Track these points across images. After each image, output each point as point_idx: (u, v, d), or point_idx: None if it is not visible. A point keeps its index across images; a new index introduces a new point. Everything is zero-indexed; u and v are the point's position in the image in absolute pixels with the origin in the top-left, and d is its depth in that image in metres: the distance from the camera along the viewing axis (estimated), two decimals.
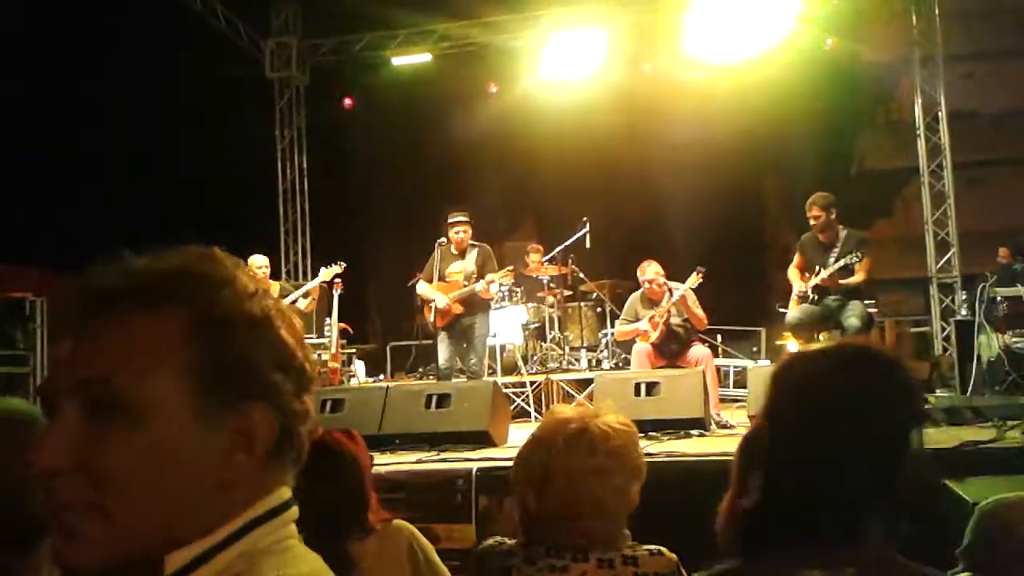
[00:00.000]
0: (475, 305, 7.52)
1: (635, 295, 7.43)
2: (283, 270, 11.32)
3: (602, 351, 9.16)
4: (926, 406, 1.27)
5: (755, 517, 1.28)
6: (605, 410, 1.95)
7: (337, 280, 8.31)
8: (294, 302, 8.01)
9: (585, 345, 9.31)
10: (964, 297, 8.81)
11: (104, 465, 0.83)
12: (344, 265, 8.24)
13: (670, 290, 7.09)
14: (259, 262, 8.11)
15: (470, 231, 7.60)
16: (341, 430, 2.37)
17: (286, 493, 0.94)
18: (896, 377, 1.31)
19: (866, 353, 1.34)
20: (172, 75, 10.30)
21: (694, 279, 7.03)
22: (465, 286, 7.46)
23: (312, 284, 8.32)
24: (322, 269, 8.28)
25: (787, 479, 1.26)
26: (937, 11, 10.01)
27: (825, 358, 1.35)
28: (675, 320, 7.10)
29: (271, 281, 8.18)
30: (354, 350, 10.14)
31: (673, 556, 1.86)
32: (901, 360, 1.36)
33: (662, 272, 7.19)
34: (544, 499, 1.82)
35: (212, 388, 0.87)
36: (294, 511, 0.94)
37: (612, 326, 8.56)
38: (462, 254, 7.60)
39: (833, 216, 6.94)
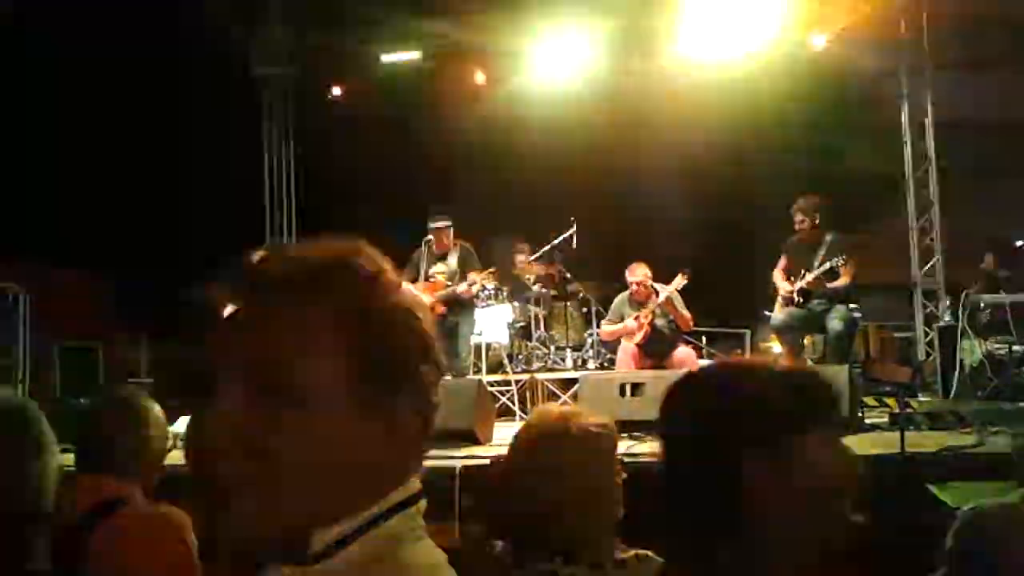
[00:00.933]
0: (458, 304, 7.52)
1: (621, 296, 7.45)
2: None
3: (588, 351, 9.16)
4: (767, 425, 1.23)
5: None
6: (586, 411, 1.95)
7: None
8: None
9: (571, 345, 9.31)
10: (948, 303, 8.87)
11: (267, 444, 0.88)
12: None
13: (656, 291, 7.12)
14: None
15: (451, 232, 7.60)
16: None
17: (418, 483, 0.98)
18: (775, 381, 1.28)
19: (744, 364, 1.42)
20: (157, 70, 10.24)
21: (679, 280, 7.06)
22: (448, 286, 7.45)
23: None
24: None
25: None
26: (926, 19, 10.08)
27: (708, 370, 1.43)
28: (660, 321, 7.12)
29: None
30: None
31: (659, 560, 1.84)
32: (787, 366, 1.35)
33: (650, 274, 7.22)
34: (521, 497, 1.82)
35: (370, 376, 0.91)
36: (424, 503, 0.98)
37: (598, 326, 8.57)
38: (444, 254, 7.61)
39: (818, 219, 6.99)
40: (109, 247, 10.62)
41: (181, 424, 6.77)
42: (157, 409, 2.43)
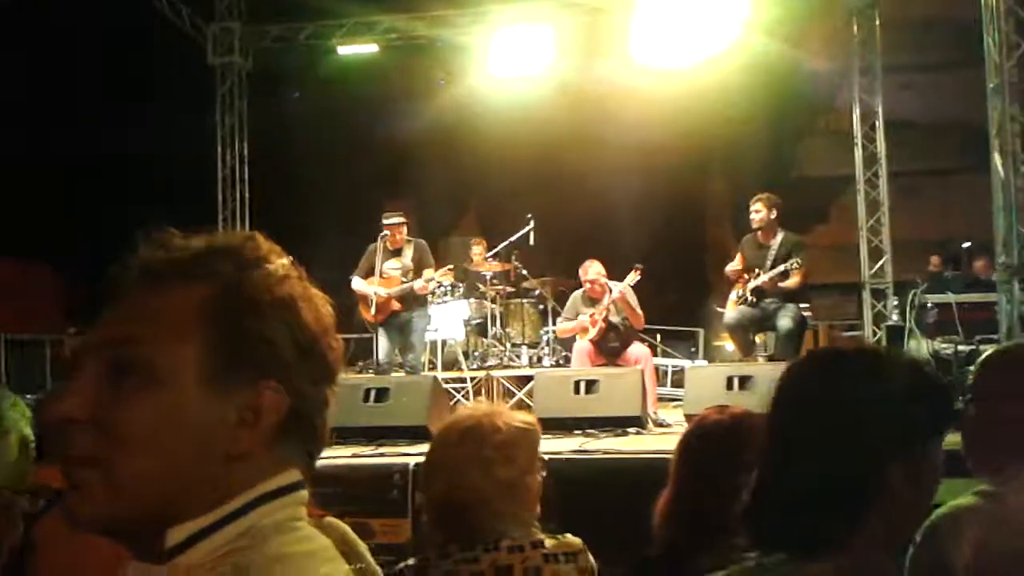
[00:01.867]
0: (413, 301, 7.48)
1: (576, 293, 7.48)
2: None
3: (543, 348, 9.18)
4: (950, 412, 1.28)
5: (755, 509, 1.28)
6: (506, 409, 2.01)
7: None
8: None
9: (526, 342, 9.32)
10: (895, 303, 9.03)
11: (115, 420, 0.87)
12: None
13: (609, 288, 7.16)
14: None
15: (404, 229, 7.56)
16: None
17: (296, 475, 0.95)
18: (914, 381, 1.29)
19: (882, 358, 1.35)
20: (112, 57, 10.07)
21: (632, 276, 7.11)
22: (404, 282, 7.42)
23: None
24: None
25: (789, 478, 1.26)
26: (878, 21, 10.24)
27: (844, 361, 1.35)
28: (615, 319, 7.16)
29: None
30: None
31: (578, 539, 1.93)
32: (921, 364, 1.36)
33: (604, 272, 7.26)
34: (433, 490, 1.91)
35: (227, 361, 0.90)
36: (303, 494, 0.95)
37: (554, 323, 8.59)
38: (398, 250, 7.56)
39: (774, 216, 7.09)
40: (57, 239, 10.43)
41: None
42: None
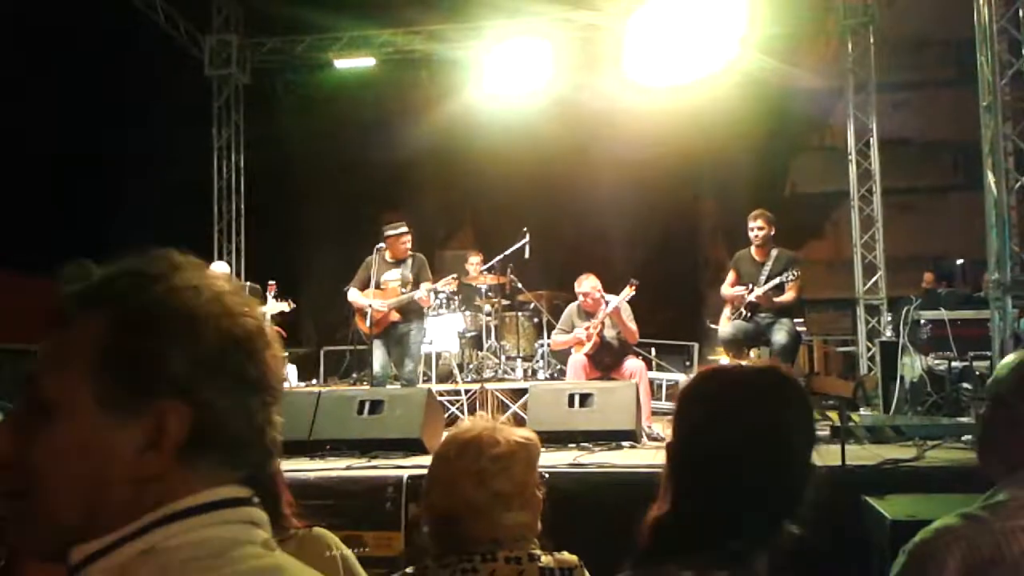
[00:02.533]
0: (411, 312, 7.49)
1: (571, 306, 7.49)
2: None
3: (538, 361, 9.18)
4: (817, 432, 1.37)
5: (661, 527, 1.34)
6: (507, 424, 2.04)
7: (271, 283, 8.21)
8: None
9: (521, 355, 9.32)
10: (889, 319, 9.05)
11: (28, 457, 0.89)
12: (293, 305, 8.23)
13: (605, 302, 7.17)
14: (219, 270, 7.97)
15: (409, 239, 7.57)
16: None
17: (227, 492, 0.93)
18: (802, 402, 1.38)
19: (777, 376, 1.40)
20: (109, 69, 10.08)
21: (627, 291, 7.12)
22: (403, 293, 7.42)
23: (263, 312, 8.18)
24: (272, 302, 8.24)
25: (693, 493, 1.33)
26: (872, 40, 10.32)
27: (737, 378, 1.42)
28: (609, 333, 7.17)
29: None
30: (286, 354, 9.99)
31: (574, 557, 1.96)
32: (802, 386, 1.43)
33: (599, 286, 7.27)
34: (430, 501, 1.94)
35: (121, 386, 0.89)
36: (242, 511, 0.94)
37: (549, 337, 8.60)
38: (399, 262, 7.56)
39: (772, 232, 7.13)
40: (51, 250, 10.39)
41: None
42: None
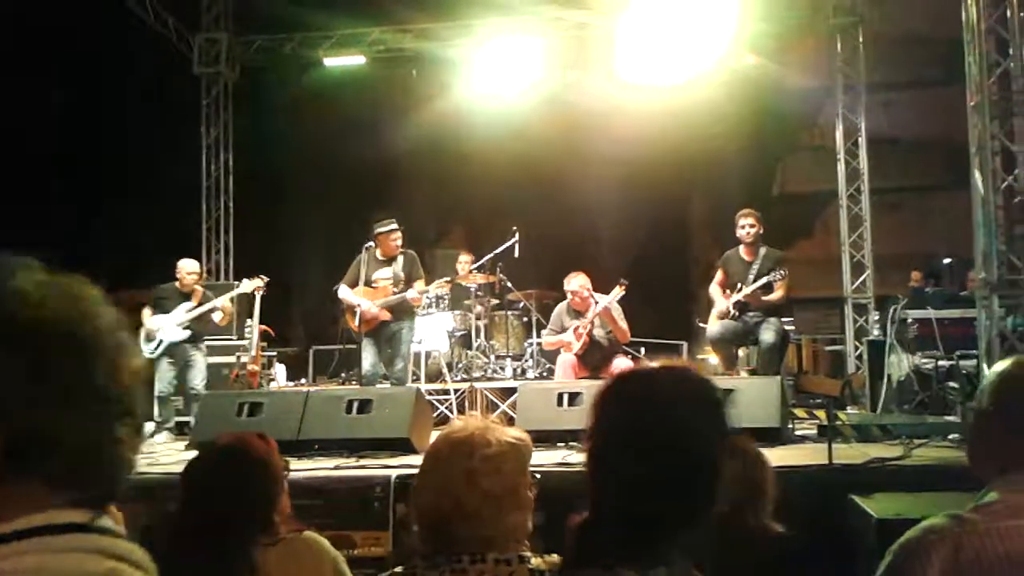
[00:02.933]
0: (402, 311, 7.46)
1: (561, 305, 7.50)
2: (204, 269, 11.06)
3: (527, 360, 9.17)
4: (729, 426, 1.41)
5: (583, 532, 1.37)
6: (500, 424, 2.03)
7: (263, 279, 8.17)
8: (211, 311, 7.82)
9: (511, 354, 9.32)
10: (877, 318, 9.09)
11: None
12: (266, 279, 8.12)
13: (595, 302, 7.18)
14: (188, 267, 7.94)
15: (398, 237, 7.55)
16: (256, 433, 2.34)
17: (44, 519, 0.84)
18: (707, 396, 1.41)
19: (680, 373, 1.44)
20: (98, 67, 10.03)
21: (617, 291, 7.13)
22: (395, 292, 7.39)
23: (231, 295, 8.13)
24: (244, 281, 8.15)
25: (608, 495, 1.36)
26: (861, 39, 10.35)
27: (644, 379, 1.46)
28: (599, 332, 7.18)
29: (197, 288, 7.98)
30: (275, 353, 9.97)
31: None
32: (707, 378, 1.45)
33: (587, 284, 7.28)
34: (420, 500, 1.92)
35: None
36: (52, 541, 0.83)
37: (538, 336, 8.60)
38: (389, 260, 7.53)
39: (761, 231, 7.15)
40: (38, 251, 10.33)
41: None
42: None
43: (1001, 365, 1.82)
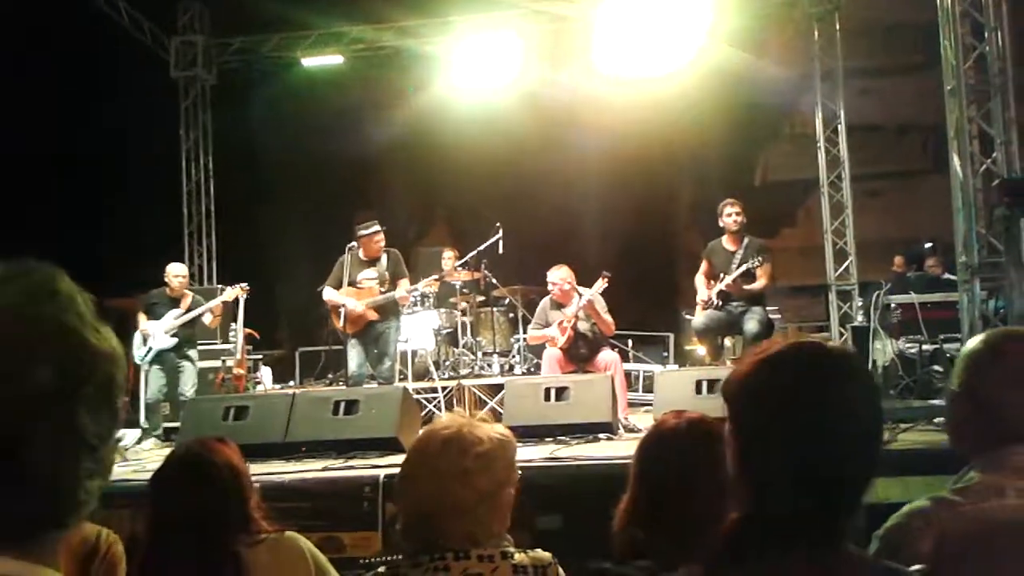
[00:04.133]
0: (389, 311, 7.44)
1: (545, 300, 7.50)
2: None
3: (514, 356, 9.17)
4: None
5: (746, 525, 1.30)
6: (484, 421, 2.01)
7: (244, 286, 8.13)
8: (200, 316, 7.78)
9: (497, 350, 9.31)
10: (860, 304, 9.13)
11: None
12: (247, 287, 8.08)
13: (578, 294, 7.18)
14: (176, 271, 7.89)
15: (381, 238, 7.52)
16: (214, 438, 2.39)
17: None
18: (862, 372, 1.35)
19: (828, 353, 1.36)
20: (74, 72, 9.95)
21: (600, 284, 7.14)
22: (381, 292, 7.36)
23: (215, 303, 8.11)
24: (227, 289, 8.11)
25: (777, 485, 1.28)
26: (838, 27, 10.38)
27: (790, 361, 1.35)
28: (583, 325, 7.18)
29: (186, 292, 7.94)
30: (260, 356, 9.93)
31: (548, 554, 1.94)
32: (857, 355, 1.40)
33: (569, 277, 7.28)
34: (410, 499, 1.91)
35: None
36: None
37: (524, 331, 8.59)
38: (373, 261, 7.50)
39: (744, 220, 7.17)
40: (19, 255, 10.25)
41: None
42: None
43: (970, 344, 1.82)
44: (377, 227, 7.49)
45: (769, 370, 1.34)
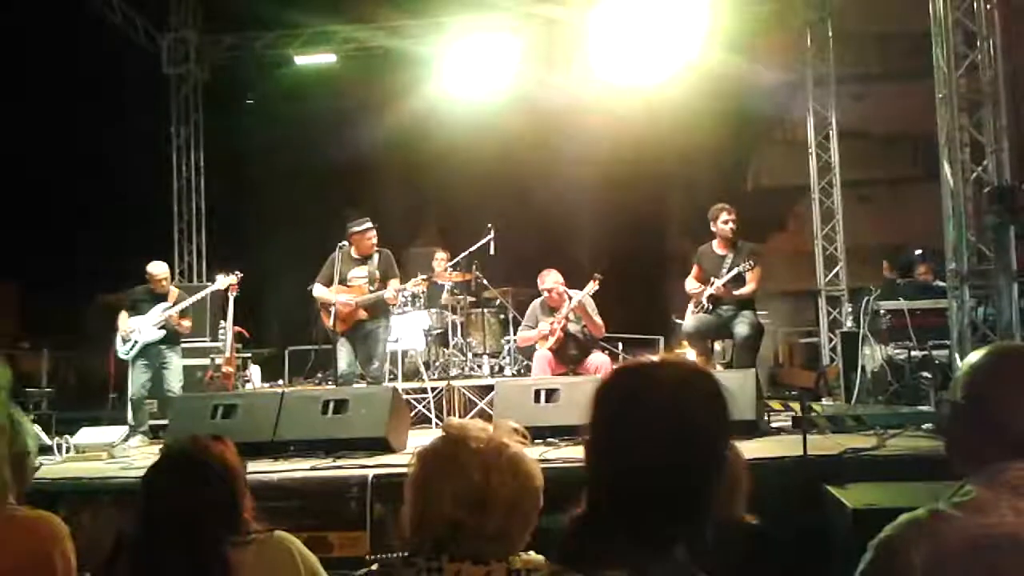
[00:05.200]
0: (379, 310, 7.39)
1: (536, 302, 7.50)
2: (176, 270, 10.96)
3: (504, 358, 9.17)
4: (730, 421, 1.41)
5: (580, 526, 1.35)
6: (507, 427, 1.96)
7: (233, 284, 8.10)
8: (184, 313, 7.74)
9: (488, 352, 9.31)
10: (850, 309, 9.16)
11: None
12: (240, 275, 8.05)
13: (568, 297, 7.19)
14: (156, 271, 7.82)
15: (373, 235, 7.48)
16: (211, 436, 2.36)
17: None
18: (713, 390, 1.41)
19: (682, 366, 1.44)
20: (66, 69, 9.92)
21: (591, 286, 7.15)
22: (371, 291, 7.32)
23: (206, 291, 8.08)
24: (218, 277, 8.08)
25: (606, 489, 1.35)
26: (831, 33, 10.42)
27: (645, 371, 1.44)
28: (573, 327, 7.20)
29: (172, 289, 7.91)
30: (250, 354, 9.90)
31: (541, 557, 1.88)
32: (711, 374, 1.45)
33: (561, 281, 7.30)
34: (483, 522, 1.80)
35: None
36: None
37: (515, 333, 8.60)
38: (364, 259, 7.46)
39: (737, 225, 7.18)
40: (11, 253, 10.23)
41: (81, 435, 6.55)
42: (30, 424, 2.45)
43: (973, 357, 1.80)
44: (369, 224, 7.45)
45: (614, 380, 1.44)
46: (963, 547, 1.56)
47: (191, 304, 7.77)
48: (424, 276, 7.67)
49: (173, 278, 9.60)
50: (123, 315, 7.68)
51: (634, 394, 1.39)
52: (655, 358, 1.47)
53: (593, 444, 1.39)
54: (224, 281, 7.99)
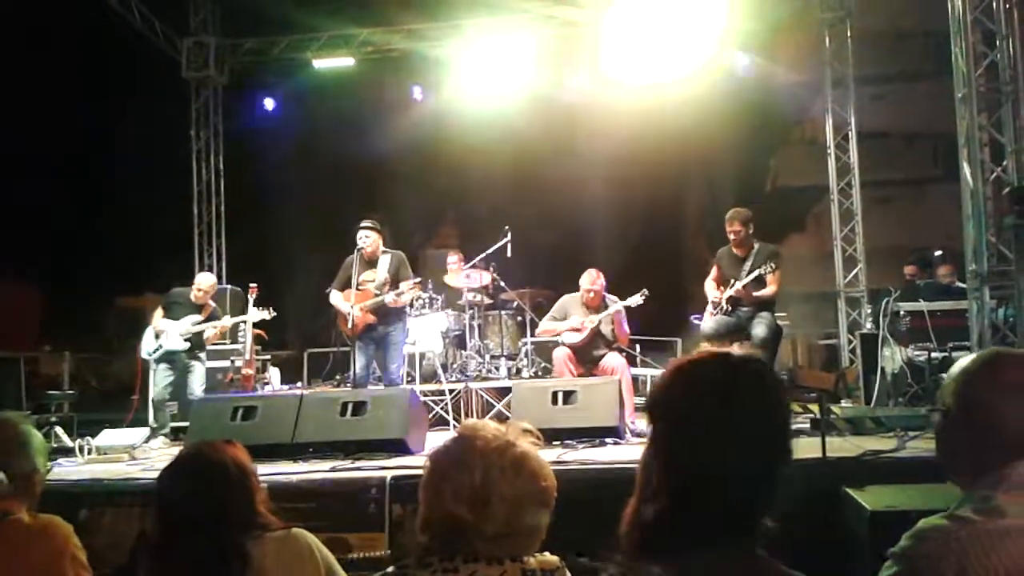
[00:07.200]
0: (389, 313, 7.33)
1: (569, 296, 7.49)
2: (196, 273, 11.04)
3: (522, 360, 9.17)
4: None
5: (659, 522, 1.36)
6: (520, 427, 1.96)
7: (252, 286, 8.15)
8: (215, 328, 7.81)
9: (505, 353, 9.30)
10: (870, 311, 9.10)
11: None
12: (274, 313, 8.09)
13: (606, 303, 7.25)
14: (202, 283, 7.87)
15: (377, 239, 7.43)
16: (221, 440, 2.44)
17: None
18: (778, 387, 1.45)
19: (750, 361, 1.44)
20: (87, 73, 10.02)
21: (637, 298, 7.20)
22: (377, 295, 7.30)
23: (237, 320, 8.15)
24: (252, 310, 8.10)
25: (689, 484, 1.36)
26: (849, 34, 10.37)
27: (718, 365, 1.44)
28: (605, 328, 7.24)
29: (209, 302, 7.95)
30: (269, 357, 9.95)
31: (555, 558, 1.90)
32: (775, 374, 1.52)
33: (604, 284, 7.37)
34: (485, 520, 1.81)
35: None
36: None
37: (532, 335, 8.59)
38: (373, 262, 7.44)
39: (751, 231, 7.13)
40: (33, 257, 10.34)
41: (103, 437, 6.61)
42: (40, 439, 2.59)
43: (962, 363, 1.78)
44: (366, 225, 7.38)
45: (681, 380, 1.46)
46: (990, 556, 1.53)
47: (216, 327, 7.79)
48: (416, 280, 7.51)
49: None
50: (158, 311, 7.76)
51: (732, 389, 1.40)
52: (720, 351, 1.46)
53: (681, 436, 1.40)
54: (257, 315, 8.04)
